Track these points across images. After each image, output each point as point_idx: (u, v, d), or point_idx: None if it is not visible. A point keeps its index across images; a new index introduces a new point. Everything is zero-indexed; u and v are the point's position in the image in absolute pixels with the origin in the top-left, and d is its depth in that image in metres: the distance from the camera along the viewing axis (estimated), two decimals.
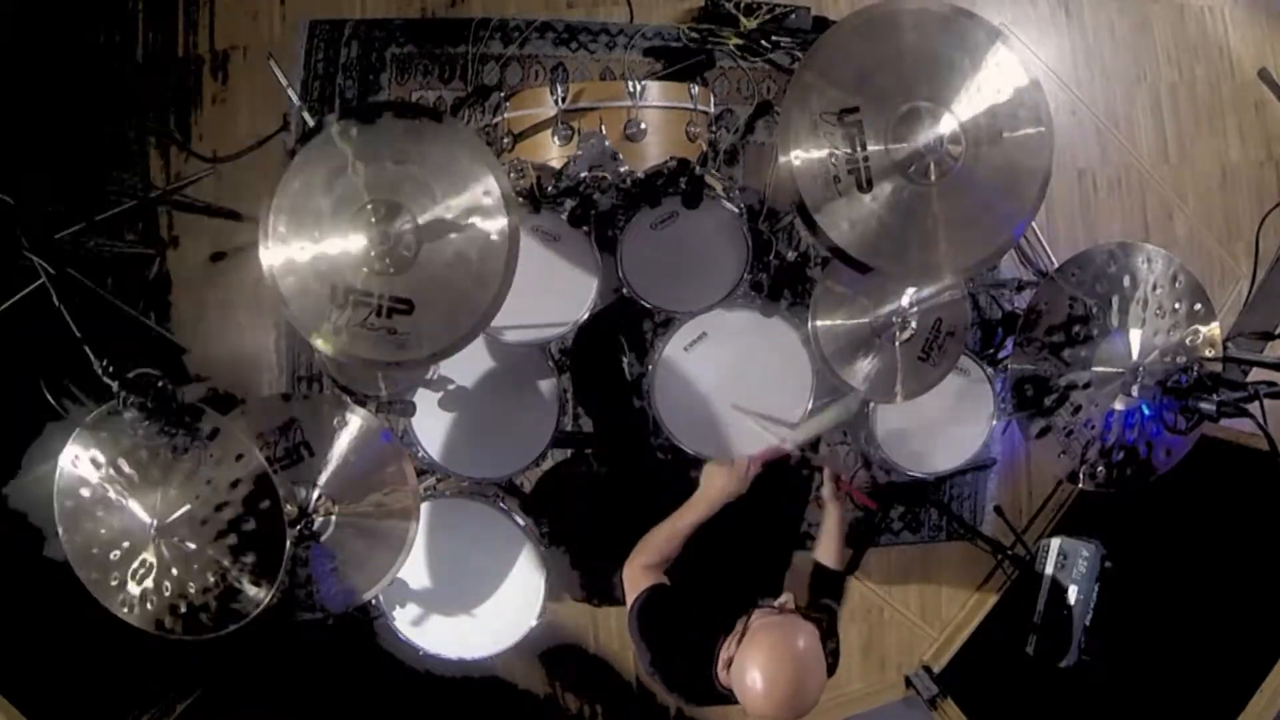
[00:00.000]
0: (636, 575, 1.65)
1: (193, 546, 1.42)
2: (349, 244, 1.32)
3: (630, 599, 1.62)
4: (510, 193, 1.35)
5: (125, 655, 1.86)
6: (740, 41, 2.51)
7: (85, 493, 1.42)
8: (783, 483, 2.00)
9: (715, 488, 1.73)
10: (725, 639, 1.45)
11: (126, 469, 1.42)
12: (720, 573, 1.71)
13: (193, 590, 1.43)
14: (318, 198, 1.31)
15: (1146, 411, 1.63)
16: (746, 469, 1.73)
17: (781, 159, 1.34)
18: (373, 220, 1.31)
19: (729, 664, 1.41)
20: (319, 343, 1.32)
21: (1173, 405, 1.61)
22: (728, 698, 1.45)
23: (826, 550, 1.85)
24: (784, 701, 1.33)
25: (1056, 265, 1.81)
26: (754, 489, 1.76)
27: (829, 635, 1.48)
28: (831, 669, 1.46)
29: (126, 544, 1.43)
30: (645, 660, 1.57)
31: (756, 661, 1.36)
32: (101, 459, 1.41)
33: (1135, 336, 1.61)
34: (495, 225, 1.34)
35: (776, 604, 1.48)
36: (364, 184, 1.32)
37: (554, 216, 1.88)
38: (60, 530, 1.42)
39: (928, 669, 2.77)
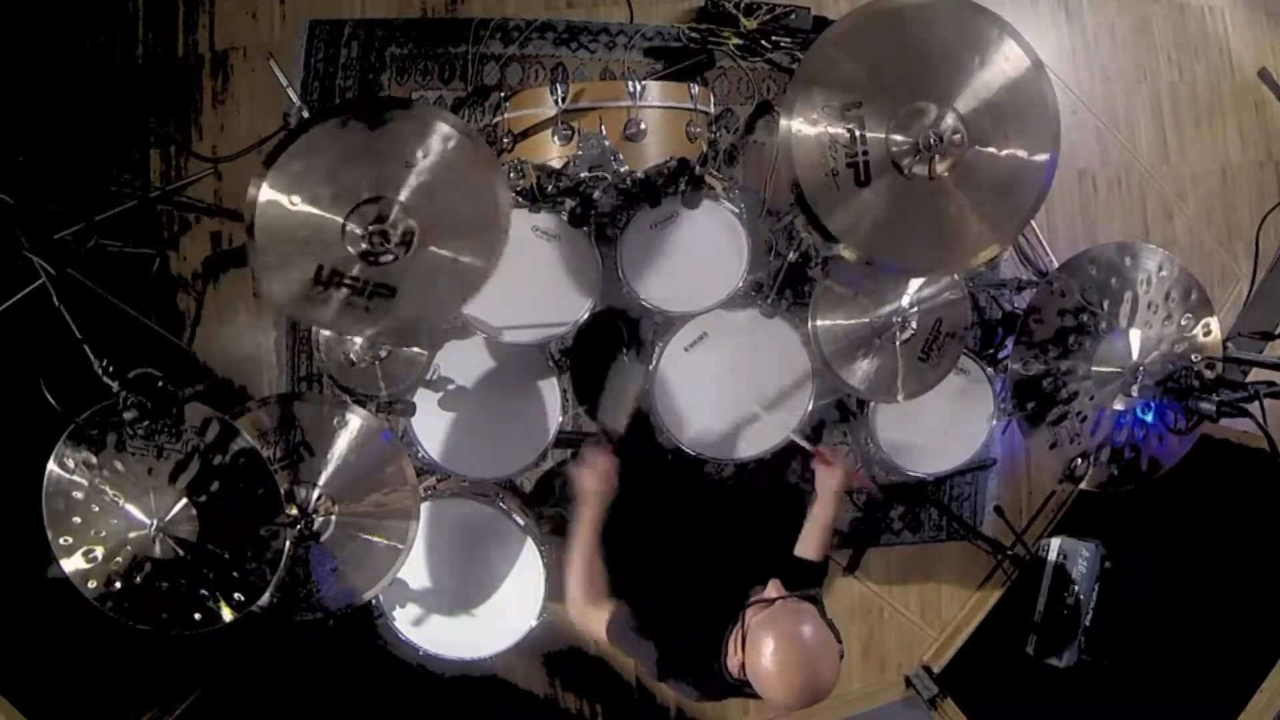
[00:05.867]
0: (588, 613, 1.61)
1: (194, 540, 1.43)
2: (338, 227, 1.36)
3: (599, 634, 1.58)
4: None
5: (125, 655, 1.86)
6: (740, 41, 2.51)
7: (78, 495, 1.43)
8: (780, 476, 1.99)
9: (582, 492, 1.68)
10: (731, 630, 1.44)
11: (119, 468, 1.42)
12: (717, 567, 1.69)
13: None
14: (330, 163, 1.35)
15: (1147, 418, 1.63)
16: (600, 465, 1.68)
17: (782, 123, 1.35)
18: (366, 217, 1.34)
19: (741, 666, 1.40)
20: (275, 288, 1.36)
21: (1173, 405, 1.61)
22: (741, 689, 1.44)
23: (810, 544, 1.78)
24: (804, 687, 1.33)
25: (1056, 265, 1.81)
26: (752, 485, 1.73)
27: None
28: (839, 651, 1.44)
29: (128, 547, 1.43)
30: (652, 668, 1.53)
31: (767, 656, 1.35)
32: (94, 461, 1.42)
33: (1135, 336, 1.61)
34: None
35: (768, 595, 1.46)
36: (358, 184, 1.34)
37: (554, 216, 1.88)
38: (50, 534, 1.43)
39: (928, 669, 2.77)
